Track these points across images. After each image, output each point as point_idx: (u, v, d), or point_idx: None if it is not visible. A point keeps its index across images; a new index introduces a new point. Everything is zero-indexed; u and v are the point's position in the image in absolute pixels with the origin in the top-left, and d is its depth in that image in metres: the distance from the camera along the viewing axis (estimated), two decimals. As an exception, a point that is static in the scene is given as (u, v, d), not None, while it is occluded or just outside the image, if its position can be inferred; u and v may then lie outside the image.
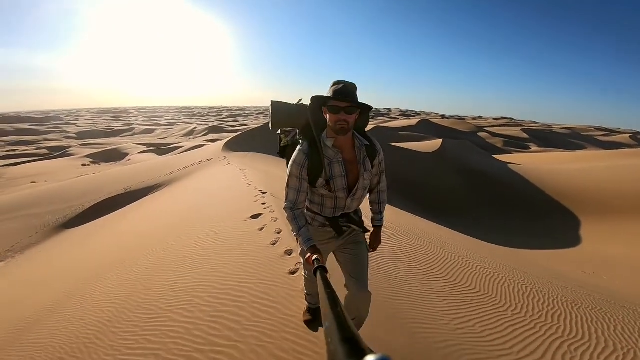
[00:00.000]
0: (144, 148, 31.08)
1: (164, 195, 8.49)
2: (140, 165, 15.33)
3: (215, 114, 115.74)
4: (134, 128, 60.81)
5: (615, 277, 7.71)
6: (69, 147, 35.97)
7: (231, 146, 14.54)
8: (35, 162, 27.01)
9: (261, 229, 3.32)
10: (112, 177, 12.71)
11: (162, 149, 29.50)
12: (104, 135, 52.15)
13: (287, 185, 1.54)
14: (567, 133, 58.34)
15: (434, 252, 4.16)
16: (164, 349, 1.80)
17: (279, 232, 3.13)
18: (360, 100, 1.43)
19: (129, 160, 25.78)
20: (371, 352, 0.40)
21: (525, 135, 52.55)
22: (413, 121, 48.95)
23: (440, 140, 21.37)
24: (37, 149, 36.34)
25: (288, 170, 1.54)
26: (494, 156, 27.02)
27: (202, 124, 61.57)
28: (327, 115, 1.46)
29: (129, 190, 10.10)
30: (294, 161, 1.51)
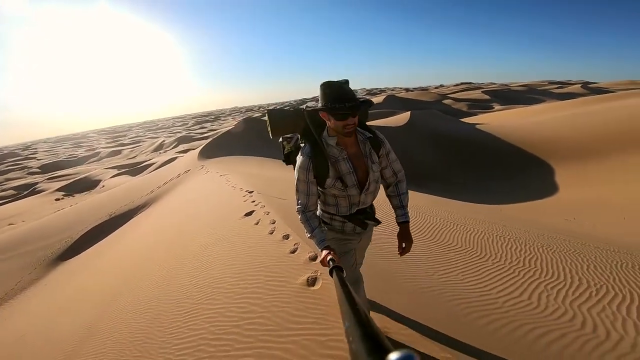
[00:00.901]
0: (116, 171, 30.18)
1: (153, 213, 8.66)
2: (118, 190, 15.13)
3: (180, 123, 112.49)
4: (99, 152, 58.38)
5: (594, 219, 8.22)
6: (36, 183, 34.34)
7: (206, 153, 14.60)
8: (6, 205, 25.78)
9: (257, 223, 3.69)
10: (92, 206, 12.58)
11: (134, 169, 28.77)
12: (70, 165, 49.93)
13: (297, 190, 1.55)
14: (525, 90, 61.34)
15: (418, 218, 4.63)
16: (207, 331, 2.17)
17: (273, 223, 3.50)
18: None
19: (103, 186, 25.07)
20: (394, 348, 0.40)
21: (486, 97, 54.78)
22: (380, 98, 49.85)
23: (409, 112, 22.07)
24: (1, 190, 34.49)
25: (295, 175, 1.54)
26: (461, 120, 28.23)
27: (169, 136, 59.91)
28: (330, 121, 1.44)
29: (113, 215, 10.13)
30: (300, 166, 1.51)
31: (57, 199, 24.28)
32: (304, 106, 1.70)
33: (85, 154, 58.97)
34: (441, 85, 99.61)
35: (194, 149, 20.88)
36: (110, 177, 27.47)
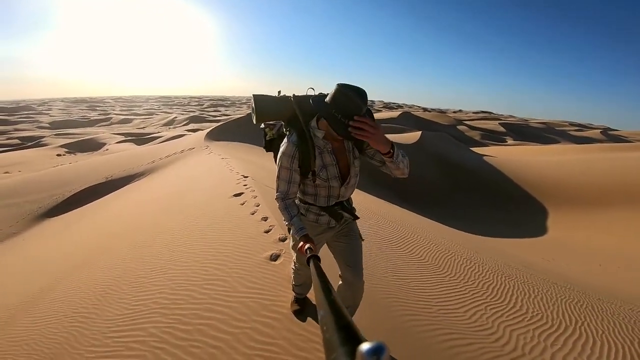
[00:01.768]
0: (122, 138, 30.34)
1: (149, 182, 8.61)
2: (120, 155, 15.15)
3: (196, 103, 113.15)
4: (111, 118, 58.85)
5: (571, 261, 8.32)
6: (42, 137, 34.59)
7: (213, 136, 14.58)
8: (7, 152, 25.94)
9: (243, 203, 3.86)
10: (91, 166, 12.57)
11: (140, 139, 28.91)
12: (80, 125, 50.29)
13: (278, 177, 1.54)
14: (542, 127, 60.88)
15: (393, 228, 4.64)
16: (167, 287, 2.40)
17: (257, 205, 3.66)
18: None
19: (106, 150, 25.18)
20: (365, 339, 0.41)
21: (502, 129, 54.49)
22: (395, 113, 49.74)
23: (420, 132, 21.99)
24: (8, 139, 34.76)
25: (278, 162, 1.53)
26: (470, 148, 28.09)
27: (182, 114, 60.31)
28: (325, 123, 1.44)
29: (110, 178, 10.10)
30: (284, 153, 1.49)
31: (59, 155, 24.41)
32: (292, 95, 1.61)
33: (98, 117, 59.45)
34: (460, 111, 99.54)
35: (203, 130, 20.91)
36: (116, 143, 27.60)
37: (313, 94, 1.59)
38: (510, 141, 46.79)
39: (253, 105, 1.62)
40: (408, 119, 46.61)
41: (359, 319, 1.91)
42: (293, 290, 2.04)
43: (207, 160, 8.95)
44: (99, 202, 8.25)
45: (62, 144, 28.71)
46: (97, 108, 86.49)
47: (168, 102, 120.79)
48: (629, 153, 20.70)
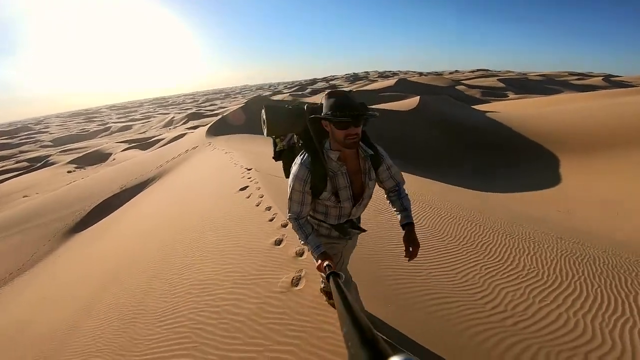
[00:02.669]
0: (126, 145, 30.75)
1: (161, 186, 9.00)
2: (128, 163, 15.57)
3: (191, 100, 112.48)
4: (110, 127, 59.17)
5: (588, 213, 8.16)
6: (49, 155, 35.19)
7: (214, 131, 14.82)
8: (20, 177, 26.65)
9: (248, 196, 4.36)
10: (104, 179, 13.03)
11: (144, 144, 29.27)
12: (81, 139, 50.85)
13: (290, 199, 1.51)
14: (543, 79, 59.16)
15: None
16: (196, 280, 2.86)
17: (261, 197, 4.13)
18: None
19: (114, 159, 25.66)
20: (393, 353, 0.40)
21: (501, 85, 53.16)
22: (391, 81, 48.88)
23: (418, 97, 21.77)
24: (16, 162, 35.50)
25: (290, 183, 1.49)
26: (472, 107, 27.71)
27: (179, 113, 60.23)
28: (332, 130, 1.39)
29: (124, 188, 10.53)
30: (296, 176, 1.46)
31: (69, 171, 24.98)
32: (304, 105, 1.60)
33: (97, 129, 59.84)
34: (456, 71, 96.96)
35: (203, 126, 21.12)
36: (121, 151, 28.04)
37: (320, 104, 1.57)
38: (512, 95, 45.73)
39: (264, 117, 1.59)
40: (405, 85, 45.80)
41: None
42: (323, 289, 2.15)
43: (211, 156, 9.27)
44: (120, 211, 8.71)
45: (69, 160, 29.29)
46: (94, 119, 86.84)
47: (163, 104, 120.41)
48: (635, 97, 20.06)
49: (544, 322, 2.34)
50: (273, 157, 1.83)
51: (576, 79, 60.95)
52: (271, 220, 3.45)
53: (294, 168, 1.48)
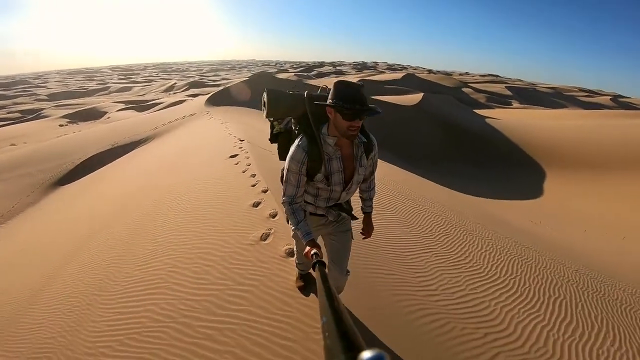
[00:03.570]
0: (123, 106, 30.21)
1: (153, 146, 8.93)
2: (123, 122, 15.36)
3: (195, 69, 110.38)
4: (109, 87, 57.92)
5: (558, 225, 8.50)
6: (42, 109, 34.47)
7: (214, 101, 14.62)
8: (10, 126, 26.12)
9: (236, 163, 4.52)
10: (96, 135, 12.85)
11: (141, 106, 28.80)
12: (78, 96, 49.77)
13: (286, 181, 1.55)
14: (550, 92, 58.91)
15: (384, 189, 4.99)
16: (175, 223, 3.10)
17: (248, 165, 4.28)
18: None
19: (108, 118, 25.25)
20: (366, 347, 0.41)
21: (508, 93, 52.91)
22: (398, 75, 48.39)
23: (422, 94, 21.69)
24: (8, 112, 34.69)
25: (286, 165, 1.54)
26: (474, 111, 27.68)
27: (182, 79, 59.16)
28: (335, 118, 1.43)
29: (115, 145, 10.41)
30: (293, 158, 1.50)
31: (61, 125, 24.54)
32: (305, 93, 1.63)
33: (96, 87, 58.58)
34: (466, 73, 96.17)
35: (204, 95, 20.81)
36: (117, 111, 27.59)
37: (324, 94, 1.61)
38: (515, 104, 45.70)
39: (265, 99, 1.64)
40: (411, 81, 45.37)
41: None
42: (296, 267, 2.15)
43: (208, 124, 9.18)
44: (108, 167, 8.64)
45: (63, 114, 28.69)
46: (95, 78, 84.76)
47: (166, 69, 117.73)
48: (637, 120, 20.24)
49: (464, 304, 2.56)
50: (269, 139, 1.85)
51: (584, 96, 60.73)
52: (254, 185, 3.67)
53: (291, 150, 1.52)
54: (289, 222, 1.60)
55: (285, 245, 2.52)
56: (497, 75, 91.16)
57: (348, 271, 1.83)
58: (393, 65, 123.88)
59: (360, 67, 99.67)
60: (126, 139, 10.72)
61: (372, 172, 1.76)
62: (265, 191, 3.44)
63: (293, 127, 1.71)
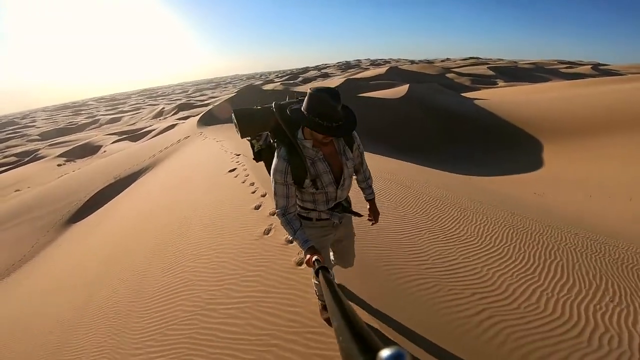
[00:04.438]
0: (116, 137, 30.51)
1: (156, 173, 9.30)
2: (120, 154, 15.67)
3: (180, 91, 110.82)
4: (98, 119, 58.19)
5: (560, 194, 8.70)
6: (37, 149, 34.72)
7: (205, 121, 14.97)
8: (9, 171, 26.37)
9: (236, 176, 5.22)
10: (96, 170, 13.17)
11: (135, 135, 29.10)
12: (69, 132, 50.00)
13: (275, 194, 1.54)
14: (532, 68, 59.65)
15: (380, 179, 5.32)
16: (192, 246, 3.38)
17: (247, 176, 4.96)
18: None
19: (104, 152, 25.54)
20: (384, 346, 0.41)
21: (491, 73, 53.57)
22: (382, 69, 48.91)
23: (407, 85, 22.05)
24: (4, 157, 34.91)
25: (272, 178, 1.52)
26: (462, 94, 28.09)
27: (169, 103, 59.50)
28: (309, 130, 1.46)
29: (118, 178, 10.72)
30: (276, 169, 1.49)
31: (60, 165, 24.81)
32: (273, 104, 1.64)
33: (85, 121, 58.82)
34: (447, 59, 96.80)
35: (193, 116, 21.16)
36: (111, 143, 27.87)
37: (293, 100, 1.66)
38: (501, 83, 46.20)
39: (235, 121, 1.62)
40: (395, 74, 45.88)
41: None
42: (318, 299, 2.09)
43: (203, 145, 9.56)
44: (117, 199, 8.96)
45: (59, 153, 28.95)
46: (82, 112, 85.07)
47: (152, 95, 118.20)
48: (619, 85, 20.66)
49: (455, 271, 2.73)
50: (253, 159, 1.85)
51: (565, 67, 61.53)
52: (253, 192, 4.29)
53: (274, 163, 1.51)
54: (288, 234, 1.66)
55: (284, 235, 3.02)
56: (478, 58, 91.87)
57: (354, 254, 2.03)
58: (376, 60, 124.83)
59: (345, 66, 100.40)
60: (127, 171, 11.04)
61: (362, 163, 1.78)
62: (263, 195, 4.00)
63: (272, 141, 1.69)
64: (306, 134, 1.50)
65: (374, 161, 7.94)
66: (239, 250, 3.01)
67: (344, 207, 1.71)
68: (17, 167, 28.28)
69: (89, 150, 28.68)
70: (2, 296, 6.02)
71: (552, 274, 2.89)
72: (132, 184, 9.68)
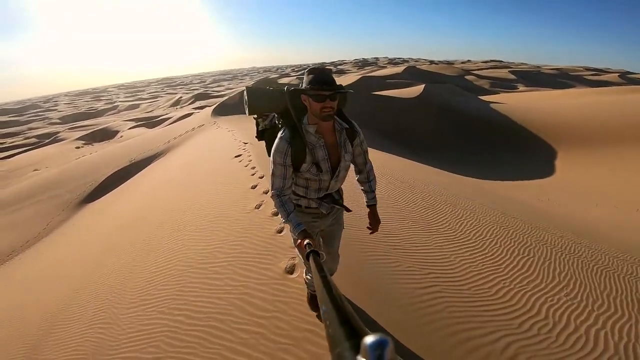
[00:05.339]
0: (134, 123, 31.23)
1: (169, 159, 9.55)
2: (136, 139, 16.10)
3: (198, 81, 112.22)
4: (117, 106, 59.61)
5: (566, 201, 8.60)
6: (57, 132, 35.84)
7: (219, 111, 15.21)
8: (29, 152, 27.33)
9: (240, 161, 5.55)
10: (113, 153, 13.58)
11: (151, 122, 29.76)
12: (89, 117, 51.40)
13: (273, 174, 1.57)
14: (556, 73, 57.91)
15: (383, 177, 5.35)
16: (194, 214, 3.64)
17: (250, 160, 5.30)
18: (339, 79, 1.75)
19: (121, 137, 26.23)
20: (369, 332, 0.41)
21: (512, 77, 52.26)
22: (399, 69, 48.31)
23: (423, 85, 21.81)
24: (25, 138, 36.12)
25: (271, 158, 1.56)
26: (479, 97, 27.57)
27: (187, 93, 60.41)
28: (309, 104, 1.49)
29: (133, 161, 11.04)
30: (277, 150, 1.53)
31: (78, 147, 25.59)
32: (285, 87, 1.67)
33: (105, 107, 60.33)
34: (468, 61, 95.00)
35: (209, 106, 21.48)
36: (129, 129, 28.55)
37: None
38: (521, 88, 45.12)
39: (245, 98, 1.68)
40: (413, 73, 45.26)
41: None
42: (308, 288, 2.12)
43: (216, 133, 9.74)
44: (131, 181, 9.26)
45: (78, 136, 29.87)
46: (102, 98, 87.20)
47: (171, 84, 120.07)
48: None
49: (422, 254, 2.93)
50: (256, 137, 1.93)
51: (591, 74, 59.38)
52: (252, 174, 4.69)
53: (275, 143, 1.55)
54: (280, 216, 1.62)
55: (272, 209, 3.31)
56: (500, 61, 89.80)
57: (338, 255, 1.98)
58: (394, 59, 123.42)
59: (362, 64, 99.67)
60: (142, 155, 11.35)
61: (366, 162, 1.78)
62: (261, 177, 4.38)
63: (277, 122, 1.75)
64: (310, 119, 1.54)
65: (379, 157, 7.99)
66: (231, 221, 3.40)
67: (334, 199, 1.73)
68: (38, 147, 29.30)
69: (107, 134, 29.48)
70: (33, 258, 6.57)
71: (519, 268, 3.01)
72: (146, 168, 9.97)
